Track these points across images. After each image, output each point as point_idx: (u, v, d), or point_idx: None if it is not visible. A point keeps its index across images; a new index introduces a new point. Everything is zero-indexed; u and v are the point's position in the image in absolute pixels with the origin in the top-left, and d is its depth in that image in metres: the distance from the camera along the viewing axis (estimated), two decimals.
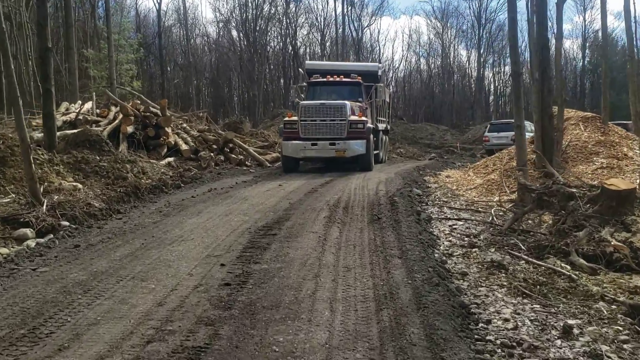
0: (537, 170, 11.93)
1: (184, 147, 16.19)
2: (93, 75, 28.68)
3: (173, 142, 16.25)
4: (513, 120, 29.76)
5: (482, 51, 57.84)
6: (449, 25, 59.33)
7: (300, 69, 19.73)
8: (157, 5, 49.08)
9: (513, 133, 27.47)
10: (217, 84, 54.57)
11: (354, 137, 15.13)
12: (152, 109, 17.41)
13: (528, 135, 28.33)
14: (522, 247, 6.71)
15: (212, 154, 16.47)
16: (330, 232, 6.75)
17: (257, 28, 50.93)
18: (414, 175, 14.30)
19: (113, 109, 17.41)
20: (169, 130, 16.45)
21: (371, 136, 15.70)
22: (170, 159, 15.28)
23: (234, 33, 53.44)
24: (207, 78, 57.01)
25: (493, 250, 6.53)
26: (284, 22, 52.67)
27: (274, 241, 6.30)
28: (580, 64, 58.61)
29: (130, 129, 15.73)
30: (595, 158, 11.61)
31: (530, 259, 6.16)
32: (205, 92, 58.98)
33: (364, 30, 55.61)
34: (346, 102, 15.36)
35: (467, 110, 59.67)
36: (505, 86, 65.47)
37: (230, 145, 17.80)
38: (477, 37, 57.71)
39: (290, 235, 6.58)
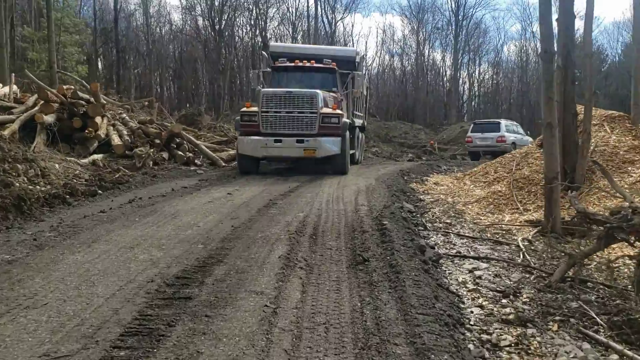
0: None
1: (116, 141, 13.21)
2: (31, 58, 25.26)
3: (103, 135, 13.26)
4: (498, 120, 27.74)
5: (458, 47, 55.77)
6: (424, 21, 57.24)
7: (263, 52, 16.87)
8: None
9: (498, 134, 25.51)
10: (182, 74, 51.09)
11: (327, 134, 12.42)
12: (82, 95, 14.38)
13: (519, 138, 26.23)
14: (598, 319, 4.11)
15: (152, 150, 13.53)
16: (286, 293, 4.01)
17: (224, 17, 47.76)
18: (398, 182, 11.66)
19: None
20: (99, 120, 13.45)
21: (347, 133, 13.01)
22: (98, 156, 12.32)
23: (200, 21, 50.13)
24: (171, 68, 53.57)
25: (556, 328, 3.90)
26: (254, 12, 49.67)
27: (182, 316, 3.53)
28: None
29: (49, 118, 12.71)
30: (630, 168, 9.15)
31: (626, 352, 3.57)
32: (169, 83, 55.60)
33: (337, 24, 53.09)
34: (318, 91, 12.62)
35: (440, 110, 57.89)
36: (480, 86, 63.90)
37: (178, 140, 14.90)
38: (453, 34, 55.65)
39: (214, 302, 3.80)
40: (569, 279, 5.13)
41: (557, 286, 4.90)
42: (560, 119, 9.49)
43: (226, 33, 48.20)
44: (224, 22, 48.07)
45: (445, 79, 60.59)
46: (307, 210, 7.48)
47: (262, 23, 50.44)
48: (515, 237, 6.98)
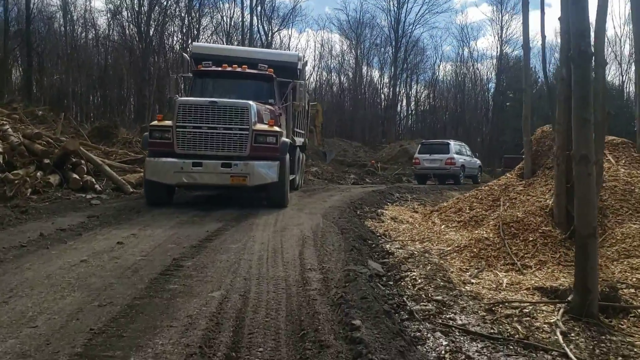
0: (559, 228, 7.35)
1: None
2: None
3: None
4: (447, 141, 25.99)
5: (397, 63, 54.80)
6: (362, 37, 56.13)
7: (184, 54, 14.12)
8: None
9: (447, 156, 23.68)
10: (107, 83, 46.92)
11: (262, 157, 9.84)
12: None
13: (467, 160, 24.58)
14: None
15: (35, 173, 10.48)
16: None
17: (152, 22, 44.18)
18: (352, 220, 9.19)
19: None
20: None
21: (287, 155, 10.49)
22: None
23: (127, 27, 46.30)
24: (95, 76, 49.20)
25: None
26: (186, 21, 46.47)
27: None
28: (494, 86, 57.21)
29: None
30: None
31: None
32: (95, 92, 51.12)
33: (274, 35, 50.84)
34: (251, 102, 10.04)
35: (378, 127, 56.89)
36: (417, 104, 63.20)
37: (75, 159, 11.86)
38: (393, 49, 54.70)
39: None
40: None
41: None
42: (563, 147, 7.46)
43: (154, 40, 44.64)
44: (152, 29, 44.52)
45: (383, 96, 59.62)
46: (228, 282, 4.86)
47: (195, 32, 47.31)
48: (539, 323, 4.71)
